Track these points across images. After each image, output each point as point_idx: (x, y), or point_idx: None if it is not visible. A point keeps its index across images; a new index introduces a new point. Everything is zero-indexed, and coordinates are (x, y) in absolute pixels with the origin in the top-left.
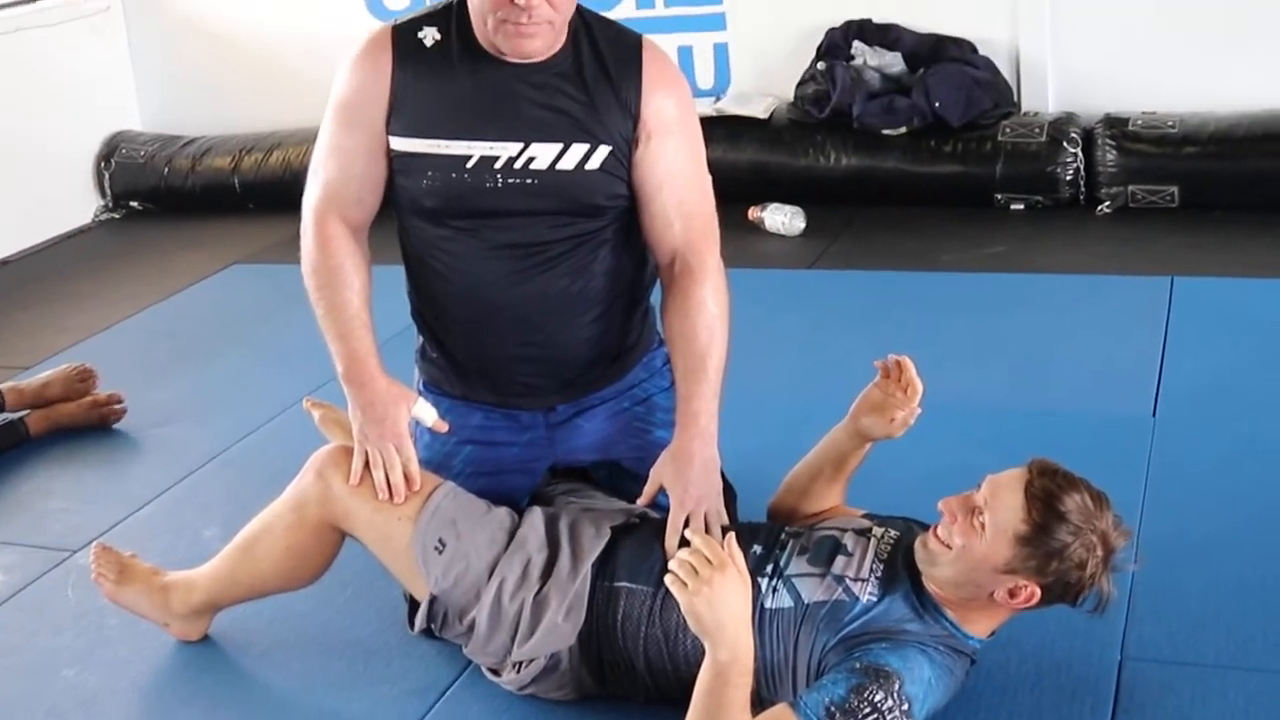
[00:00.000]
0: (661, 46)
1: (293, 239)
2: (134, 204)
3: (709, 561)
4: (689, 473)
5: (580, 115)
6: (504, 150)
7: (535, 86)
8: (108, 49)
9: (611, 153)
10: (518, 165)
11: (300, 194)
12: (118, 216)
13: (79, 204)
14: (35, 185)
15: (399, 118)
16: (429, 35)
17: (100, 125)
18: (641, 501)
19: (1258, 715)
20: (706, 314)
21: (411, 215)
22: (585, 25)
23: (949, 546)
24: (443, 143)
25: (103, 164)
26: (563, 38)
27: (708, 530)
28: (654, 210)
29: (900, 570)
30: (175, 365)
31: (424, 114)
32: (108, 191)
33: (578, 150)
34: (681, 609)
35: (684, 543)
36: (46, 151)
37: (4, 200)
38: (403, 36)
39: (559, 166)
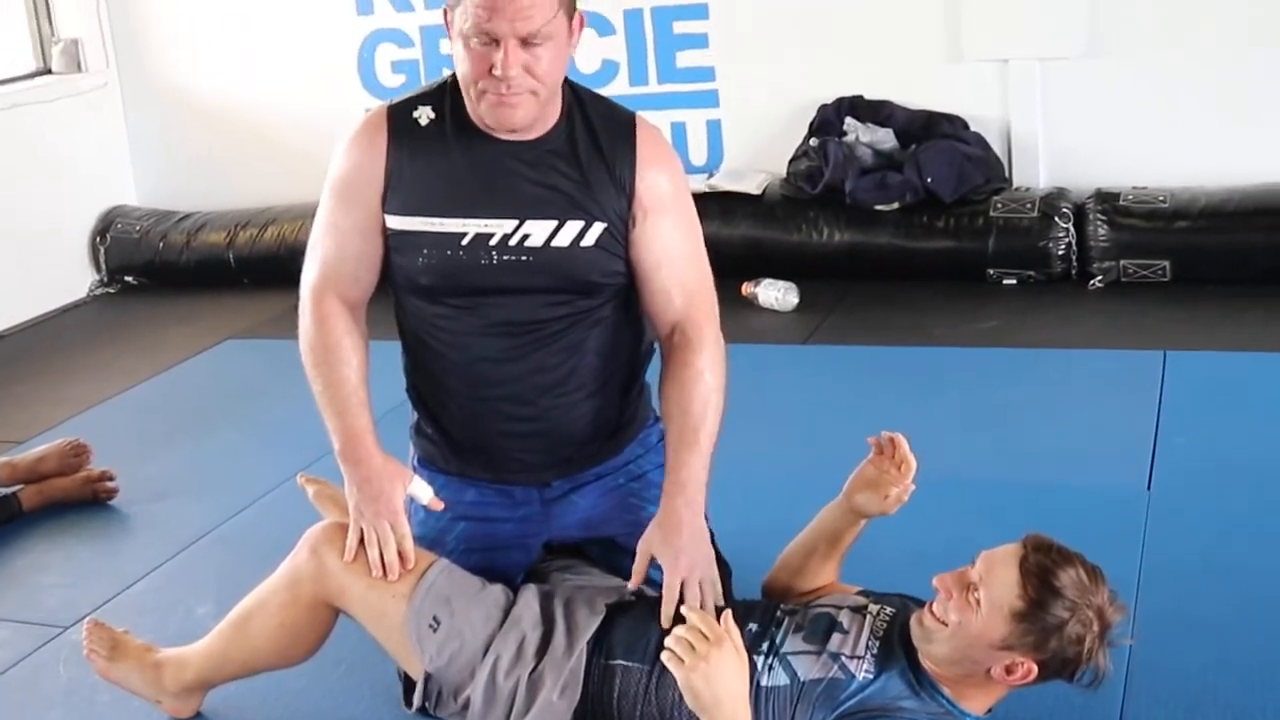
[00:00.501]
0: (654, 123)
1: (287, 314)
2: (129, 279)
3: (706, 637)
4: (678, 540)
5: (574, 192)
6: (499, 227)
7: (529, 163)
8: (104, 125)
9: (606, 229)
10: (512, 242)
11: (295, 269)
12: (113, 291)
13: (74, 278)
14: (31, 259)
15: (394, 196)
16: (424, 114)
17: (96, 200)
18: (635, 578)
19: None
20: (703, 385)
21: (408, 293)
22: (578, 102)
23: (945, 623)
24: (438, 220)
25: (98, 239)
26: (552, 112)
27: (703, 600)
28: (653, 287)
29: (896, 647)
30: (169, 440)
31: (419, 192)
32: (103, 266)
33: (573, 227)
34: (679, 685)
35: (680, 619)
36: (42, 226)
37: (0, 274)
38: (398, 116)
39: (554, 243)
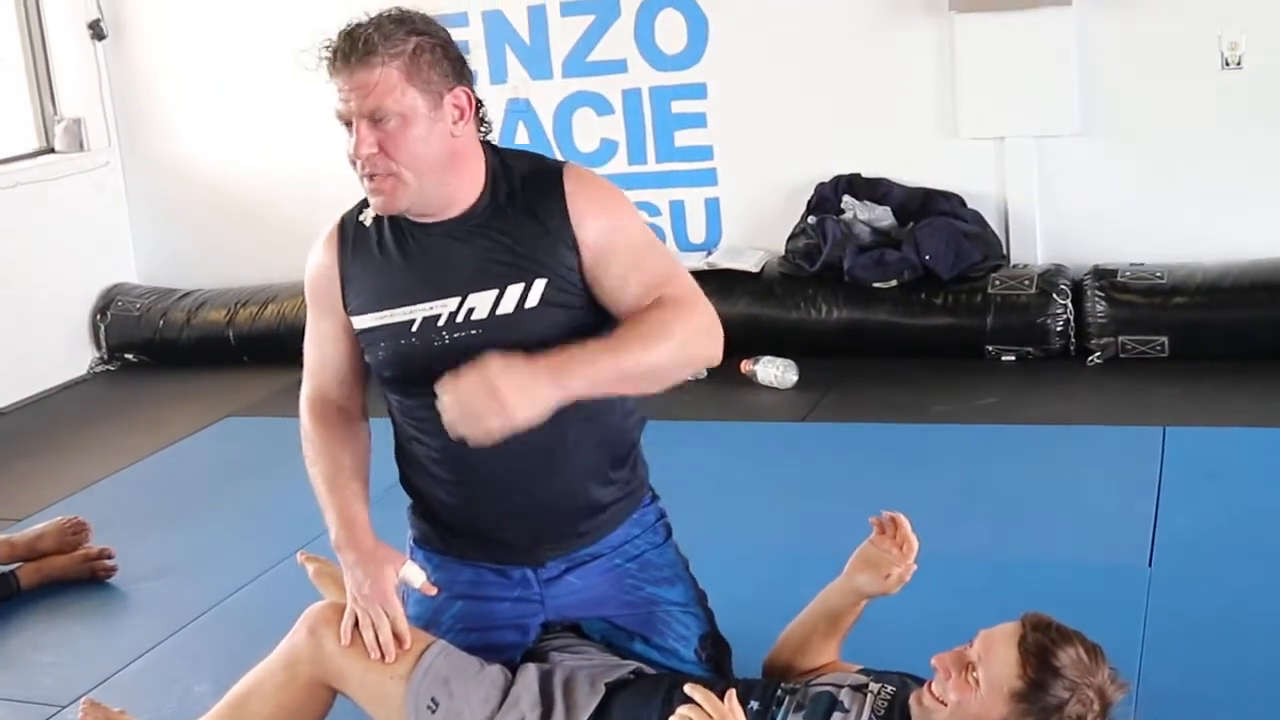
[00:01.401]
0: (583, 167)
1: (286, 391)
2: (129, 356)
3: (710, 717)
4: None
5: (507, 258)
6: (443, 307)
7: (460, 240)
8: (106, 203)
9: (548, 284)
10: (459, 319)
11: (295, 347)
12: (113, 368)
13: (74, 356)
14: (32, 336)
15: (351, 298)
16: (368, 215)
17: (97, 278)
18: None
19: None
20: (656, 310)
21: (383, 387)
22: (503, 166)
23: (944, 703)
24: (387, 313)
25: (99, 316)
26: (469, 185)
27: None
28: (628, 303)
29: None
30: (168, 518)
31: (366, 289)
32: (103, 344)
33: (514, 291)
34: None
35: (686, 698)
36: (44, 303)
37: (1, 350)
38: (346, 221)
39: (499, 311)
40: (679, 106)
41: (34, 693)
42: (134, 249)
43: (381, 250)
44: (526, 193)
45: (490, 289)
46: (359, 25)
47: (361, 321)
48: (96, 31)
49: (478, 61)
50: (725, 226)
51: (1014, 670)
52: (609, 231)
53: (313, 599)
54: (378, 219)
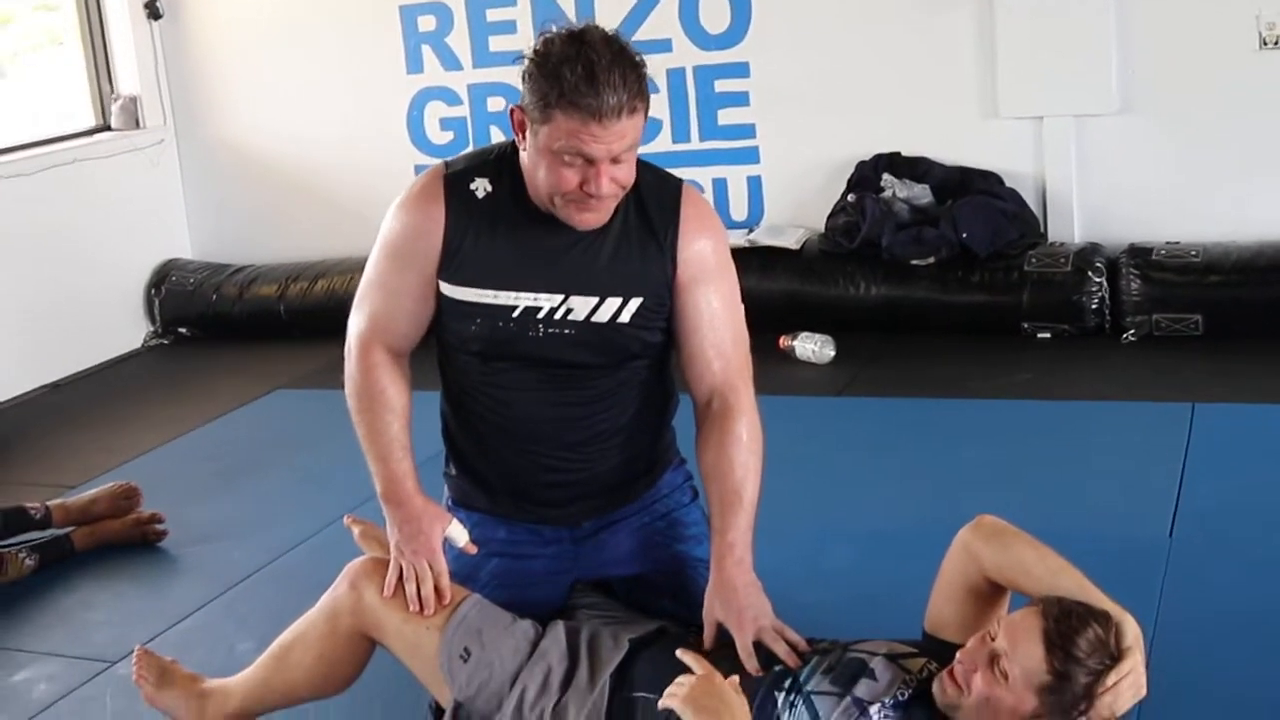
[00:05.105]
0: (698, 189)
1: (334, 365)
2: (182, 330)
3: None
4: (736, 601)
5: (617, 270)
6: (546, 302)
7: (577, 242)
8: (161, 180)
9: (642, 304)
10: (557, 316)
11: (345, 321)
12: (166, 342)
13: (129, 329)
14: (88, 310)
15: (450, 266)
16: (480, 187)
17: (152, 253)
18: (707, 643)
19: None
20: (741, 449)
21: (459, 353)
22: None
23: (966, 692)
24: (491, 293)
25: (153, 291)
26: None
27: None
28: (692, 350)
29: (925, 700)
30: (217, 485)
31: (475, 265)
32: (157, 318)
33: (611, 304)
34: (678, 712)
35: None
36: (99, 278)
37: (57, 324)
38: (455, 186)
39: (594, 319)
40: (722, 85)
41: (86, 649)
42: (188, 225)
43: (496, 227)
44: (648, 206)
45: (591, 295)
46: (598, 67)
47: (460, 293)
48: (152, 11)
49: (523, 41)
50: (767, 204)
51: (1042, 665)
52: (711, 254)
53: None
54: (492, 196)
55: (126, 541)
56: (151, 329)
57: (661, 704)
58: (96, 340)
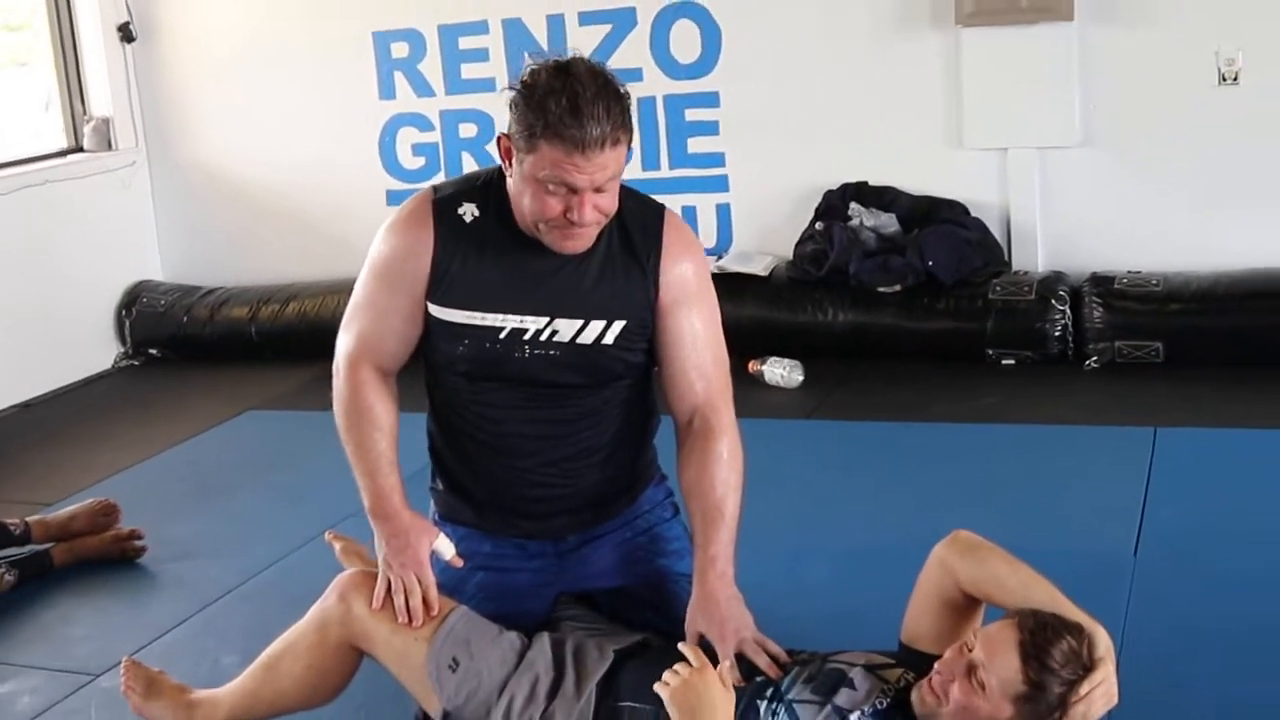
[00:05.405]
0: (678, 214)
1: (306, 386)
2: (153, 351)
3: (696, 675)
4: (718, 613)
5: (601, 293)
6: (532, 324)
7: (562, 266)
8: (132, 201)
9: (626, 326)
10: (543, 338)
11: (316, 344)
12: (137, 363)
13: (100, 350)
14: (59, 331)
15: (439, 289)
16: (468, 212)
17: (123, 275)
18: (690, 654)
19: None
20: (723, 466)
21: (446, 372)
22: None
23: (944, 701)
24: (478, 315)
25: (124, 312)
26: None
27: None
28: (674, 370)
29: (903, 708)
30: (193, 504)
31: (463, 288)
32: (128, 339)
33: (595, 326)
34: (665, 703)
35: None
36: (70, 298)
37: (28, 344)
38: (443, 210)
39: (579, 340)
40: (692, 114)
41: (69, 663)
42: (159, 247)
43: (483, 252)
44: (631, 231)
45: (576, 318)
46: (582, 99)
47: (448, 314)
48: (126, 34)
49: (496, 69)
50: (736, 231)
51: (1018, 676)
52: (692, 277)
53: (333, 578)
54: (480, 220)
55: (105, 557)
56: (122, 350)
57: (655, 688)
58: (67, 361)
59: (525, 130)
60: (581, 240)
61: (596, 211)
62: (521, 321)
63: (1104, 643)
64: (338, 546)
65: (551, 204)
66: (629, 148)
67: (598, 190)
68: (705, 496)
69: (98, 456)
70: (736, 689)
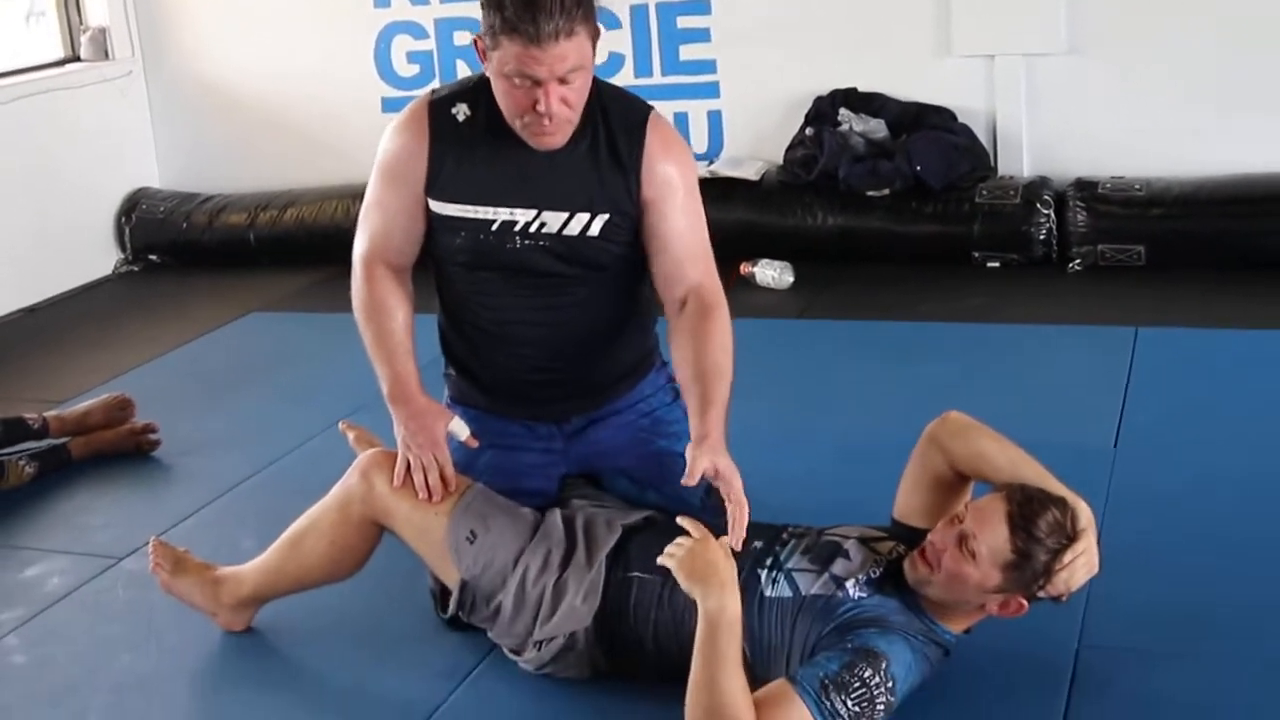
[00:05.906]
0: (666, 118)
1: (307, 289)
2: (153, 257)
3: (697, 546)
4: (720, 454)
5: (585, 188)
6: (521, 216)
7: (549, 160)
8: (130, 110)
9: (609, 219)
10: (532, 229)
11: (314, 249)
12: (137, 269)
13: (100, 257)
14: (59, 237)
15: (436, 184)
16: (460, 111)
17: (121, 182)
18: (690, 479)
19: (1199, 695)
20: (715, 344)
21: (448, 264)
22: (600, 102)
23: (936, 570)
24: (471, 208)
25: (123, 219)
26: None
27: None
28: (664, 260)
29: (895, 577)
30: (202, 402)
31: (457, 183)
32: (127, 245)
33: (580, 219)
34: (673, 570)
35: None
36: (70, 206)
37: (30, 251)
38: (438, 110)
39: (565, 232)
40: (684, 22)
41: (92, 547)
42: (156, 155)
43: (475, 148)
44: (616, 131)
45: (562, 211)
46: None
47: (444, 208)
48: None
49: None
50: (727, 137)
51: (1006, 545)
52: (676, 176)
53: (344, 468)
54: (471, 119)
55: (121, 451)
56: (122, 256)
57: (660, 561)
58: (68, 267)
59: (489, 28)
60: (556, 137)
61: (564, 105)
62: (511, 214)
63: (1086, 515)
64: (351, 435)
65: (519, 97)
66: (593, 40)
67: (563, 81)
68: (700, 372)
69: (103, 358)
70: (736, 556)
